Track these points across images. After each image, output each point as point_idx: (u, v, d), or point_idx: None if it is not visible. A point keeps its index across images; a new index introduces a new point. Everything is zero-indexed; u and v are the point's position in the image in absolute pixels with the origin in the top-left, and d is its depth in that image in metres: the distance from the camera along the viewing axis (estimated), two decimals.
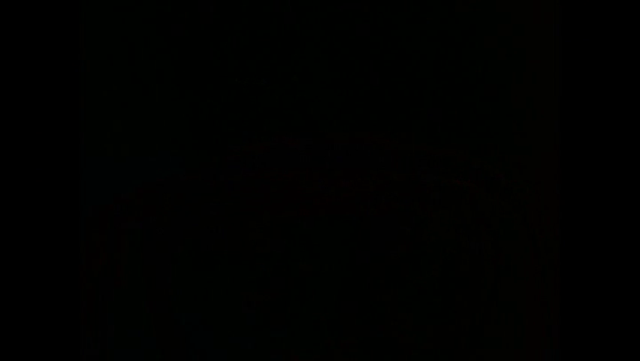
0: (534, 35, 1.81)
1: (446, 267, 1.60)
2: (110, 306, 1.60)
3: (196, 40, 1.74)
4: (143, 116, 1.78)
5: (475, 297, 1.59)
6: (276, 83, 1.74)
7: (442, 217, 1.63)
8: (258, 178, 1.66)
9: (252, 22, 1.72)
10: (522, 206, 1.68)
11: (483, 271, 1.60)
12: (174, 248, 1.62)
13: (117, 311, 1.60)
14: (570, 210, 1.37)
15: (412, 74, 1.76)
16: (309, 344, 1.55)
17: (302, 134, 1.69)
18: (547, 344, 1.57)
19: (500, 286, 1.60)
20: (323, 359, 1.54)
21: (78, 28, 1.50)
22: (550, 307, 1.59)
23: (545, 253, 1.63)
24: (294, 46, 1.73)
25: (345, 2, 1.72)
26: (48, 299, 1.34)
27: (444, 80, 1.78)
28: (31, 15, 1.36)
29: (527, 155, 1.83)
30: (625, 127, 1.37)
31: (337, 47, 1.73)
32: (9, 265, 1.33)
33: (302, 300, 1.58)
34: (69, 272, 1.36)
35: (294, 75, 1.70)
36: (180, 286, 1.60)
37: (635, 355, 1.32)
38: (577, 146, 1.39)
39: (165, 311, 1.59)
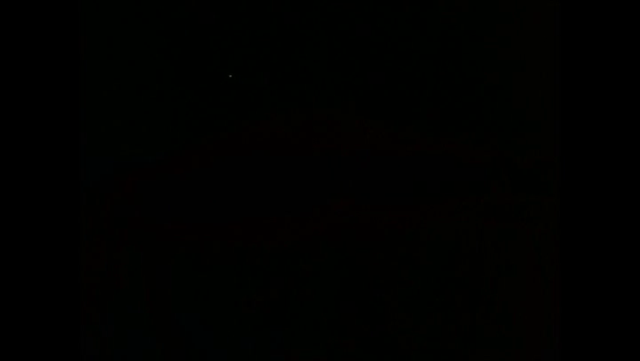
0: (534, 34, 1.81)
1: (446, 267, 1.60)
2: (110, 306, 1.60)
3: (195, 40, 1.75)
4: (142, 115, 1.78)
5: (475, 297, 1.59)
6: (277, 81, 1.74)
7: (442, 217, 1.63)
8: (258, 179, 1.66)
9: (251, 20, 1.72)
10: (522, 206, 1.68)
11: (483, 271, 1.60)
12: (174, 248, 1.62)
13: (117, 311, 1.60)
14: (570, 210, 1.38)
15: (414, 74, 1.76)
16: (309, 344, 1.56)
17: (304, 133, 1.69)
18: (547, 344, 1.57)
19: (500, 286, 1.60)
20: (323, 359, 1.55)
21: (78, 28, 1.51)
22: (550, 307, 1.60)
23: (545, 253, 1.63)
24: (300, 45, 1.74)
25: (350, 5, 1.73)
26: (48, 299, 1.34)
27: (447, 79, 1.79)
28: (32, 15, 1.36)
29: (528, 155, 1.83)
30: (626, 126, 1.37)
31: (341, 48, 1.74)
32: (10, 265, 1.33)
33: (302, 300, 1.58)
34: (69, 272, 1.36)
35: (300, 72, 1.71)
36: (180, 286, 1.60)
37: (635, 355, 1.32)
38: (577, 146, 1.39)
39: (165, 311, 1.59)
